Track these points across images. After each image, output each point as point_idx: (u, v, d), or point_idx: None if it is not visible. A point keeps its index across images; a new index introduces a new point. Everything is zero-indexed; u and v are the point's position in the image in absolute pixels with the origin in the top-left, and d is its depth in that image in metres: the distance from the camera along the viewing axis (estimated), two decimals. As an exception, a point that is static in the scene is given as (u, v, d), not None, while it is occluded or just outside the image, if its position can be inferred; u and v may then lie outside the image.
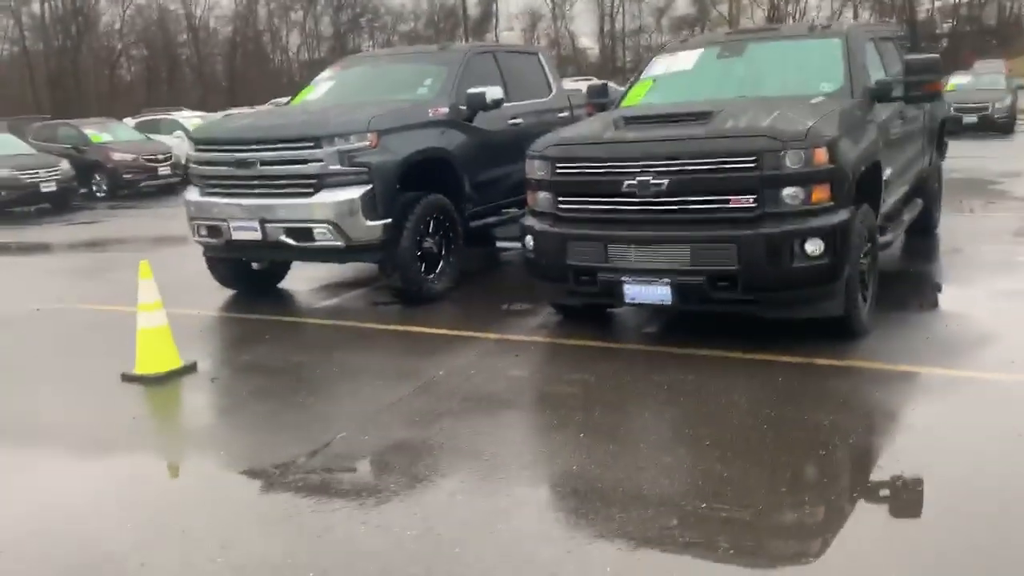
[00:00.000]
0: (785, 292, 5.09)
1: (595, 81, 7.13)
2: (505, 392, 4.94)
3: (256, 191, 6.73)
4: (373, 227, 6.57)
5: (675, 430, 4.33)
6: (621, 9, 66.17)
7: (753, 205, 4.93)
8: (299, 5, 69.28)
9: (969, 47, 47.58)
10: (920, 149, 7.54)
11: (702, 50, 6.76)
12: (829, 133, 4.96)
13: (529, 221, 5.72)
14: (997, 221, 9.39)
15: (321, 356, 5.85)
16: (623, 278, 5.27)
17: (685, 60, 6.73)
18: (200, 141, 7.13)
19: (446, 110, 7.35)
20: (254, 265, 7.80)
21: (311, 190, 6.54)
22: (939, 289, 6.78)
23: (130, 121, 22.31)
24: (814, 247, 4.92)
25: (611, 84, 15.16)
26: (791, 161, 4.86)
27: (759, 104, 5.56)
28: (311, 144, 6.51)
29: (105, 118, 21.76)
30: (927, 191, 8.20)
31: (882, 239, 6.11)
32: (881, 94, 5.99)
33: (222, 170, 6.87)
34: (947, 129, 8.88)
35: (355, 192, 6.48)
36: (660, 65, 6.87)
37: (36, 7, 56.28)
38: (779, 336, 5.38)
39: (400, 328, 6.40)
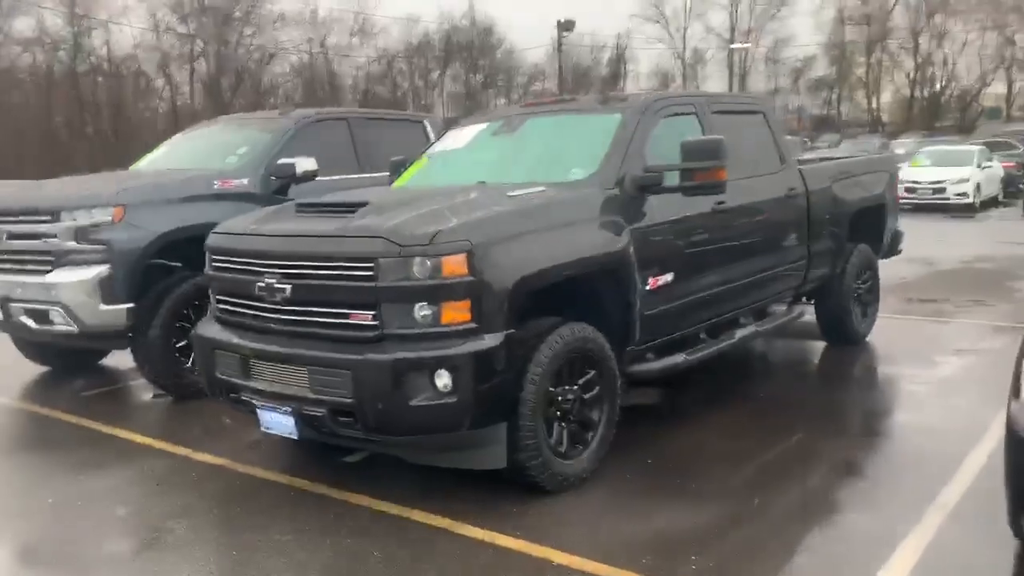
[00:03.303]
0: (412, 435, 3.97)
1: (397, 157, 6.13)
2: (64, 540, 4.05)
3: (3, 267, 6.21)
4: (113, 312, 5.88)
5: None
6: (752, 69, 64.06)
7: (373, 323, 3.88)
8: (437, 67, 71.10)
9: None
10: (796, 247, 6.13)
11: (485, 124, 5.74)
12: (469, 237, 3.85)
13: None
14: (960, 330, 7.65)
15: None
16: (255, 401, 4.31)
17: (464, 136, 5.72)
18: (-28, 212, 6.71)
19: (244, 182, 6.63)
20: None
21: (48, 268, 5.95)
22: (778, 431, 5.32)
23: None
24: (443, 381, 3.80)
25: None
26: (416, 271, 3.80)
27: (433, 195, 4.53)
28: (48, 218, 5.94)
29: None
30: (831, 295, 6.73)
31: (642, 366, 4.86)
32: (651, 184, 4.77)
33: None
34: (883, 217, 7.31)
35: (88, 272, 5.83)
36: (444, 141, 5.90)
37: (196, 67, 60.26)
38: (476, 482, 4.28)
39: (108, 431, 5.61)
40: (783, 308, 6.33)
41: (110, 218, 5.90)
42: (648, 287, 4.72)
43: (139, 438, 5.44)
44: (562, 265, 4.20)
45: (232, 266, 4.41)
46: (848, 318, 6.86)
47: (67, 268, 5.90)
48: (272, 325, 4.22)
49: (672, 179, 4.80)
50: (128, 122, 57.77)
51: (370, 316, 3.87)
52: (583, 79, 68.94)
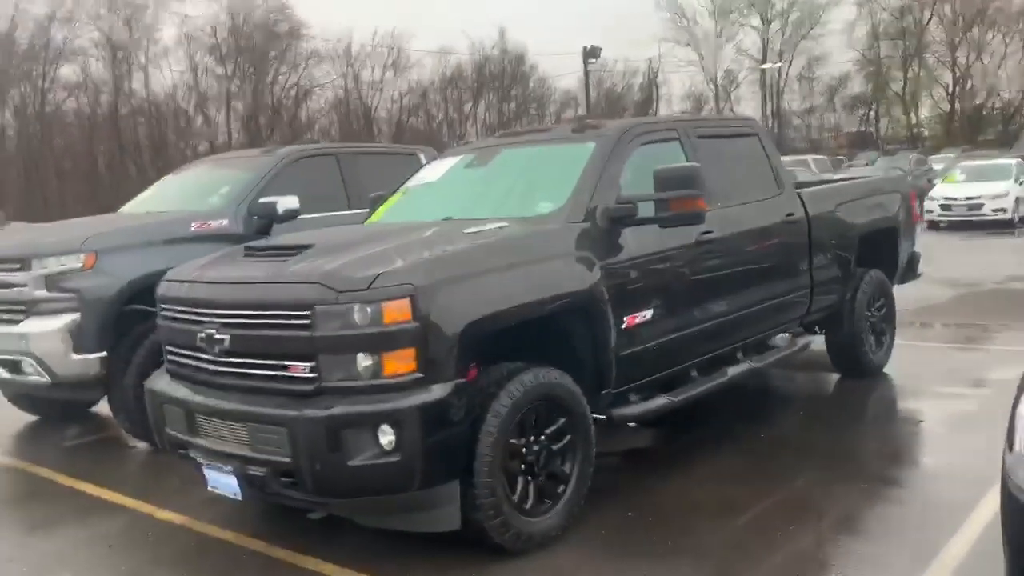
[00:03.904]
0: (356, 497, 3.68)
1: (376, 193, 5.89)
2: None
3: (-24, 317, 6.09)
4: (85, 361, 5.71)
5: None
6: (786, 88, 63.25)
7: (310, 376, 3.61)
8: (470, 98, 71.29)
9: None
10: (797, 275, 5.76)
11: (460, 157, 5.49)
12: (411, 280, 3.57)
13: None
14: (987, 358, 7.16)
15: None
16: (200, 459, 4.06)
17: (439, 169, 5.48)
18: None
19: (224, 222, 6.45)
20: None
21: (20, 317, 5.81)
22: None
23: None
24: (387, 437, 3.51)
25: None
26: (357, 318, 3.53)
27: (386, 234, 4.28)
28: (17, 266, 5.81)
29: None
30: (841, 325, 6.33)
31: (622, 410, 4.52)
32: (624, 216, 4.46)
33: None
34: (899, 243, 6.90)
35: (58, 321, 5.67)
36: (421, 174, 5.65)
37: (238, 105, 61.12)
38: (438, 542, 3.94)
39: (77, 485, 5.39)
40: (788, 340, 5.93)
41: (80, 265, 5.75)
42: (624, 326, 4.40)
43: (106, 493, 5.22)
44: (521, 306, 3.90)
45: (176, 315, 4.19)
46: (860, 348, 6.44)
47: (38, 317, 5.74)
48: (214, 378, 3.98)
49: (648, 210, 4.49)
50: (169, 161, 58.83)
51: (308, 368, 3.61)
52: (616, 104, 68.74)
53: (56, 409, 7.13)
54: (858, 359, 6.48)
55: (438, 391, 3.56)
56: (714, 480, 4.78)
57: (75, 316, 5.68)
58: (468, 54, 66.40)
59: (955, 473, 4.67)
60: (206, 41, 57.85)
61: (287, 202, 6.49)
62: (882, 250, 6.75)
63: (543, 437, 3.99)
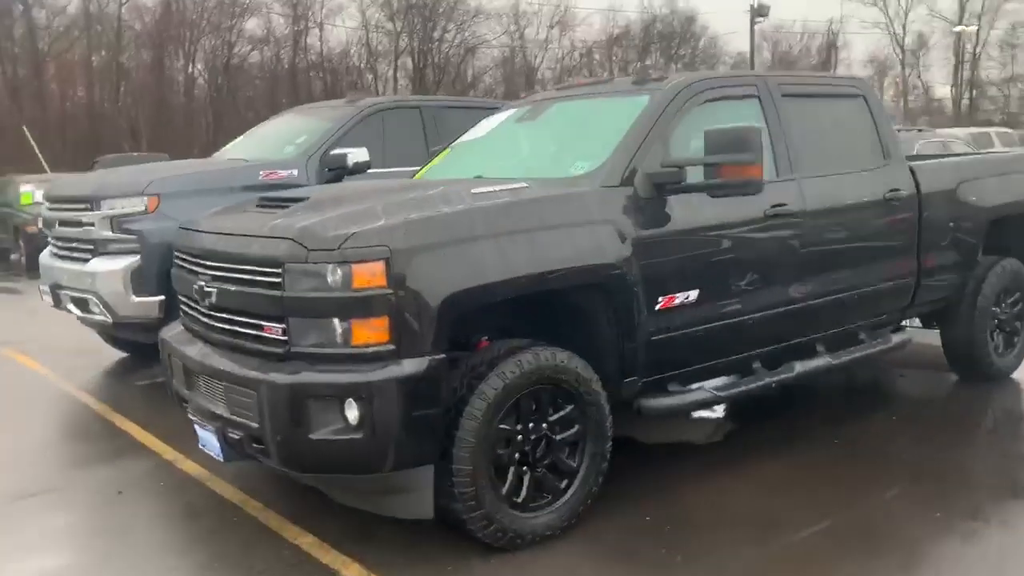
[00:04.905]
0: (321, 473, 3.41)
1: (437, 147, 5.58)
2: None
3: (58, 254, 6.28)
4: (144, 304, 5.76)
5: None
6: (983, 55, 57.74)
7: (282, 338, 3.35)
8: (635, 58, 69.56)
9: None
10: (899, 261, 4.98)
11: (514, 110, 5.05)
12: (388, 243, 3.21)
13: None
14: None
15: None
16: (191, 415, 3.91)
17: (490, 124, 5.06)
18: (45, 197, 6.87)
19: (293, 172, 6.33)
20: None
21: (89, 256, 5.93)
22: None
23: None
24: (352, 412, 3.20)
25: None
26: (328, 279, 3.22)
27: (388, 191, 3.92)
28: (87, 206, 5.91)
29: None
30: (959, 320, 5.47)
31: (651, 401, 4.01)
32: (669, 181, 3.91)
33: (44, 230, 6.54)
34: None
35: (120, 263, 5.74)
36: (475, 129, 5.24)
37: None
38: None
39: (124, 426, 5.45)
40: (883, 334, 5.15)
41: (143, 208, 5.79)
42: (659, 307, 3.88)
43: (145, 437, 5.24)
44: (520, 279, 3.46)
45: (182, 263, 4.04)
46: (982, 349, 5.54)
47: (103, 257, 5.86)
48: (205, 332, 3.81)
49: (698, 176, 3.92)
50: (341, 115, 61.00)
51: (280, 330, 3.34)
52: (791, 67, 65.00)
53: (142, 346, 7.32)
54: (978, 360, 5.59)
55: (411, 366, 3.20)
56: (762, 489, 4.18)
57: (136, 258, 5.73)
58: (637, 12, 64.48)
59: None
60: (378, -3, 59.00)
61: (357, 154, 6.31)
62: (1021, 236, 5.78)
63: (544, 425, 3.57)
